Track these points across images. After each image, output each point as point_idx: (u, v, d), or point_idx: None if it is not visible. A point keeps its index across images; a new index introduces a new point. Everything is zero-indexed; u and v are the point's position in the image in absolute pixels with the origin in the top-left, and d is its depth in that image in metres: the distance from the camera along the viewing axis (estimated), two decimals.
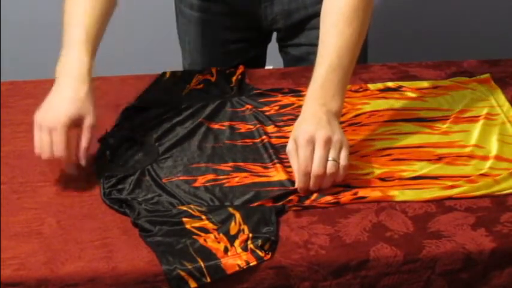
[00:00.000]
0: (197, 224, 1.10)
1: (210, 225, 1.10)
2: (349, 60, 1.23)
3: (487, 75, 1.49)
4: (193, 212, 1.12)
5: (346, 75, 1.23)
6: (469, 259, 1.07)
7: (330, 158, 1.15)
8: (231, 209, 1.13)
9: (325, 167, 1.15)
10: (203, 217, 1.11)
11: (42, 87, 1.47)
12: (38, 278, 1.02)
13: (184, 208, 1.13)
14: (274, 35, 1.65)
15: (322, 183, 1.16)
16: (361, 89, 1.45)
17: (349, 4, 1.24)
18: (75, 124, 1.17)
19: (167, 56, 2.20)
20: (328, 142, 1.15)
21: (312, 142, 1.15)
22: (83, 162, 1.17)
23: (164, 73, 1.49)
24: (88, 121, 1.18)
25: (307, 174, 1.15)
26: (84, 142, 1.18)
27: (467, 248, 1.07)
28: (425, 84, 1.47)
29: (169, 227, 1.10)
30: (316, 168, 1.14)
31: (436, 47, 2.43)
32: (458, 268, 1.07)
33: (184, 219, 1.11)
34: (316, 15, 1.49)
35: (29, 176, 1.22)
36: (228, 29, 1.57)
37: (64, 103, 1.17)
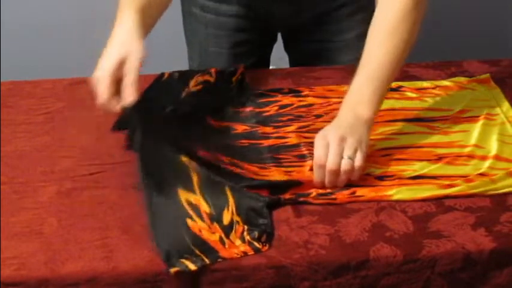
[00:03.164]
0: (191, 199, 1.11)
1: (203, 205, 1.11)
2: (389, 71, 1.25)
3: (487, 75, 1.49)
4: (192, 176, 1.13)
5: (383, 86, 1.25)
6: (468, 259, 1.07)
7: (345, 156, 1.17)
8: (227, 190, 1.13)
9: (339, 164, 1.16)
10: (198, 193, 1.12)
11: (42, 87, 1.47)
12: (39, 278, 1.02)
13: (186, 163, 1.15)
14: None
15: (337, 181, 1.17)
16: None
17: (397, 16, 1.25)
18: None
19: (167, 56, 2.20)
20: (341, 140, 1.17)
21: (326, 138, 1.17)
22: (131, 97, 1.16)
23: (162, 74, 1.49)
24: (134, 55, 1.17)
25: (321, 167, 1.16)
26: (129, 76, 1.17)
27: (467, 247, 1.07)
28: (425, 84, 1.47)
29: (164, 197, 1.12)
30: (330, 164, 1.16)
31: (436, 47, 2.43)
32: (458, 268, 1.07)
33: (180, 190, 1.12)
34: (330, 11, 1.50)
35: (29, 176, 1.22)
36: (239, 31, 1.57)
37: (109, 49, 1.18)
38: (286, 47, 1.68)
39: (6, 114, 1.38)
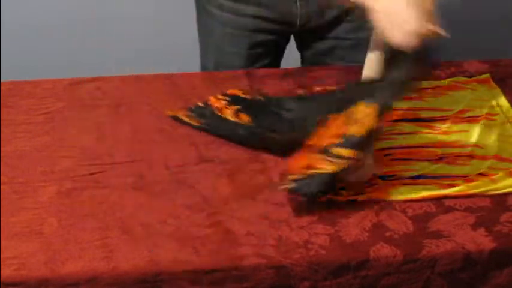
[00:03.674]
0: None
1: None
2: None
3: (487, 75, 1.49)
4: None
5: None
6: (468, 259, 1.07)
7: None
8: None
9: None
10: None
11: (42, 87, 1.47)
12: (39, 278, 1.02)
13: None
14: None
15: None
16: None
17: None
18: None
19: (178, 55, 2.20)
20: None
21: None
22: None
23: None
24: None
25: None
26: None
27: (467, 247, 1.07)
28: (425, 84, 1.47)
29: None
30: None
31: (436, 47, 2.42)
32: (458, 268, 1.07)
33: None
34: (350, 10, 1.51)
35: (29, 176, 1.22)
36: (257, 31, 1.57)
37: None
38: (300, 46, 1.68)
39: (6, 114, 1.38)
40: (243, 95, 1.40)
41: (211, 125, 1.33)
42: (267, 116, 1.32)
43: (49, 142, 1.31)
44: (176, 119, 1.35)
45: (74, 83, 1.47)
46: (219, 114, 1.35)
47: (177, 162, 1.26)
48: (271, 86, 1.48)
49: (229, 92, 1.41)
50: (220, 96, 1.39)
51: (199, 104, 1.38)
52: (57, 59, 2.37)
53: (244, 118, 1.32)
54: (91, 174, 1.22)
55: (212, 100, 1.38)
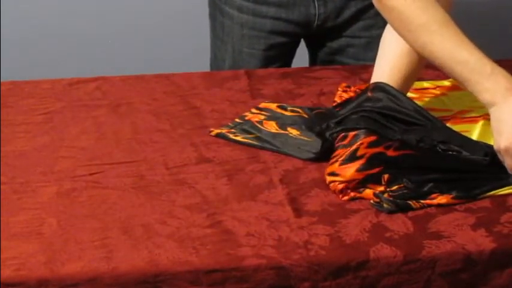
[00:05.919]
0: None
1: None
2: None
3: None
4: None
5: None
6: (469, 259, 1.07)
7: None
8: None
9: None
10: None
11: (42, 87, 1.48)
12: (38, 278, 1.02)
13: None
14: None
15: None
16: (361, 90, 1.45)
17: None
18: None
19: (169, 55, 2.21)
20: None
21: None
22: None
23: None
24: None
25: None
26: None
27: (467, 248, 1.07)
28: (425, 84, 1.47)
29: None
30: None
31: None
32: (458, 268, 1.07)
33: None
34: (366, 9, 1.51)
35: (29, 176, 1.22)
36: (275, 33, 1.58)
37: None
38: (311, 45, 1.68)
39: (6, 115, 1.38)
40: (278, 109, 1.39)
41: (262, 139, 1.31)
42: (315, 129, 1.31)
43: (48, 142, 1.31)
44: (221, 136, 1.33)
45: (74, 83, 1.48)
46: (265, 128, 1.33)
47: (177, 162, 1.26)
48: (271, 86, 1.48)
49: (263, 105, 1.41)
50: (255, 111, 1.39)
51: (237, 120, 1.37)
52: (57, 59, 2.37)
53: (294, 131, 1.32)
54: (91, 174, 1.22)
55: (249, 115, 1.38)
